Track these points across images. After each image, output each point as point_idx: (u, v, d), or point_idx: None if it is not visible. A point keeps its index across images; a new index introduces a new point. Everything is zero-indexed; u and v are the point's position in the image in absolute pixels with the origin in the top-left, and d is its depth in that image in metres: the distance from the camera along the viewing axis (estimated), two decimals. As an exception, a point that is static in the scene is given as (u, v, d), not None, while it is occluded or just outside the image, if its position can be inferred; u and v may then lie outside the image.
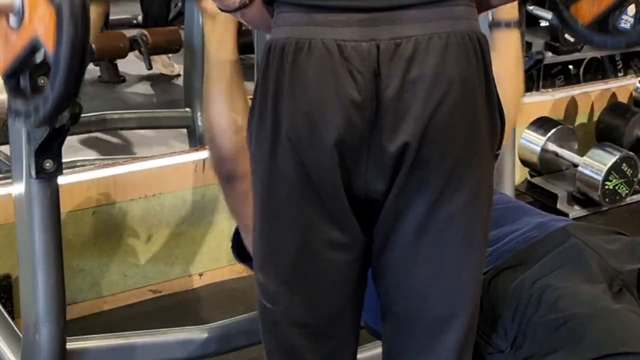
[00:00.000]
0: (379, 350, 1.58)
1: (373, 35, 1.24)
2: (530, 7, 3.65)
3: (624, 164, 3.24)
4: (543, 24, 3.96)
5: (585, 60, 4.23)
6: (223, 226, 2.73)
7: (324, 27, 1.24)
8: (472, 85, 1.26)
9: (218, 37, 1.72)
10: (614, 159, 3.21)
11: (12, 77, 1.44)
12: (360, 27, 1.24)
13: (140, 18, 4.95)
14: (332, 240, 1.34)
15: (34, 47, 1.36)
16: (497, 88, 1.33)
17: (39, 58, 1.41)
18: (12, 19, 1.37)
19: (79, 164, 3.01)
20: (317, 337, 1.42)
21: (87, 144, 3.59)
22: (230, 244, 1.94)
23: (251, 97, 1.40)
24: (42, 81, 1.43)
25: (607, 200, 3.27)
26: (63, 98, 1.31)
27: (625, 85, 3.89)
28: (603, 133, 3.69)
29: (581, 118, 3.77)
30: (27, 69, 1.45)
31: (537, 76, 3.90)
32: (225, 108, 1.76)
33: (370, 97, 1.24)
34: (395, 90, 1.23)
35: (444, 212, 1.30)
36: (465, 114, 1.27)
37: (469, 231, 1.33)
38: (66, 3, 1.25)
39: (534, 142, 3.43)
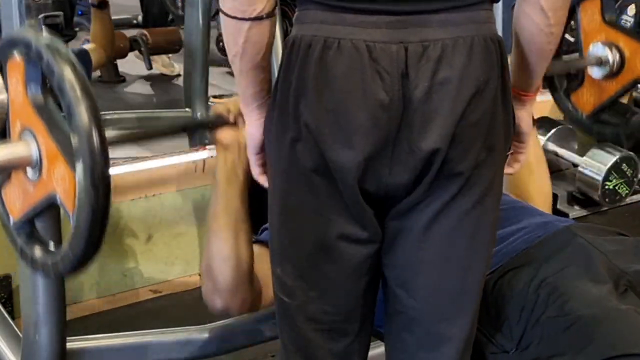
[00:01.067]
0: (379, 350, 1.58)
1: (401, 37, 1.24)
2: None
3: (624, 164, 3.23)
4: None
5: (585, 61, 4.22)
6: (223, 226, 2.72)
7: (353, 27, 1.25)
8: (494, 86, 1.28)
9: (229, 169, 1.74)
10: (614, 159, 3.20)
11: (27, 223, 1.46)
12: (389, 30, 1.24)
13: (140, 18, 4.95)
14: (350, 236, 1.34)
15: (51, 203, 1.37)
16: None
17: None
18: (30, 172, 1.39)
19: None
20: (331, 334, 1.43)
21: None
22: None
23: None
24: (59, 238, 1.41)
25: (607, 200, 3.26)
26: (82, 259, 1.33)
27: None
28: (603, 133, 3.69)
29: (581, 118, 3.76)
30: (42, 216, 1.47)
31: (537, 76, 3.89)
32: (230, 238, 1.76)
33: (397, 98, 1.24)
34: (423, 92, 1.24)
35: (456, 210, 1.31)
36: (487, 114, 1.28)
37: (477, 230, 1.34)
38: (87, 171, 1.25)
39: (533, 142, 3.42)
